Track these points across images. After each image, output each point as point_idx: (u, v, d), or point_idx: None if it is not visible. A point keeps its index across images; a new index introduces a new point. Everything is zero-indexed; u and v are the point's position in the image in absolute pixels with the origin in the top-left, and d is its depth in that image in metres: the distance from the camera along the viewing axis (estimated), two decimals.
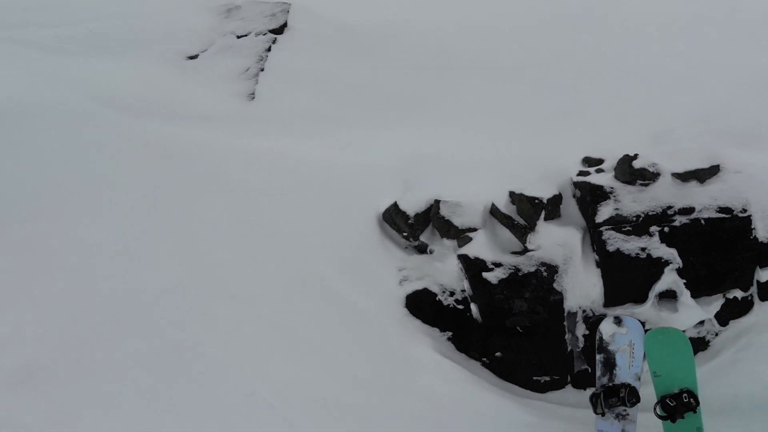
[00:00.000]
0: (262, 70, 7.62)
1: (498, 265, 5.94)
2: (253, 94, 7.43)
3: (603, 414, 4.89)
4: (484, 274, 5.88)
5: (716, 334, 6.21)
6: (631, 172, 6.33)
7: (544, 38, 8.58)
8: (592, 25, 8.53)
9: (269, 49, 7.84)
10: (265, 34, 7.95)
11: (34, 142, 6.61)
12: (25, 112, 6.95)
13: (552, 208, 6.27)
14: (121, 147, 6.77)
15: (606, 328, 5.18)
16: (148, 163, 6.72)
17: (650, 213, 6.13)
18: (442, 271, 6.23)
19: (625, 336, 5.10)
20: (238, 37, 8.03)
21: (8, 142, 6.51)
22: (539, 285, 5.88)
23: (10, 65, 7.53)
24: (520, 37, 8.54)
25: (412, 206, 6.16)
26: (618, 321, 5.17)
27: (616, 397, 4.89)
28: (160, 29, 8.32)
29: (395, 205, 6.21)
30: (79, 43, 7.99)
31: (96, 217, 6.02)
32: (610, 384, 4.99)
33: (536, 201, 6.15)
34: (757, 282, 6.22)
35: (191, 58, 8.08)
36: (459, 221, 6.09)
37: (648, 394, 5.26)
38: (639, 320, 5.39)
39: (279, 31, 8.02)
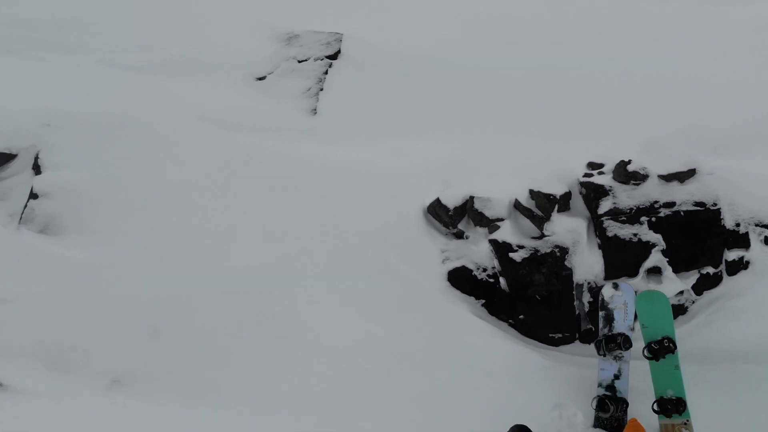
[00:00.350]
0: (321, 89, 8.89)
1: (521, 247, 7.26)
2: (315, 109, 8.71)
3: (604, 355, 6.19)
4: (510, 254, 7.20)
5: (693, 302, 7.50)
6: (625, 174, 7.64)
7: (548, 60, 9.87)
8: (588, 49, 9.86)
9: (326, 72, 9.13)
10: (322, 59, 9.23)
11: (146, 148, 7.93)
12: (136, 124, 8.25)
13: (563, 203, 7.60)
14: (214, 153, 8.10)
15: (607, 291, 6.51)
16: (235, 166, 8.05)
17: (641, 206, 7.45)
18: (476, 252, 7.54)
19: (620, 297, 6.42)
20: (299, 61, 9.30)
21: (127, 148, 7.83)
22: (554, 263, 7.20)
23: (120, 85, 8.83)
24: (530, 60, 9.83)
25: (451, 201, 7.48)
26: (616, 286, 6.50)
27: (614, 343, 6.20)
28: (233, 55, 9.60)
29: (437, 201, 7.51)
30: (170, 67, 9.26)
31: (202, 209, 7.37)
32: (610, 333, 6.31)
33: (551, 197, 7.47)
34: (725, 260, 7.54)
35: (260, 79, 9.36)
36: (489, 213, 7.41)
37: (637, 348, 6.59)
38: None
39: (334, 57, 9.31)
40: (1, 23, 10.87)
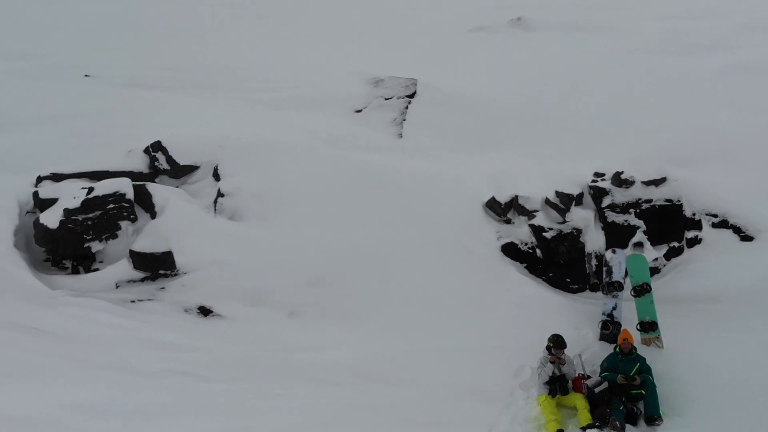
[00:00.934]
0: (404, 120, 11.95)
1: (550, 229, 10.46)
2: (400, 134, 11.78)
3: (606, 294, 9.31)
4: (543, 234, 10.40)
5: (664, 265, 10.71)
6: (619, 180, 10.80)
7: (565, 100, 13.01)
8: (592, 92, 13.02)
9: (407, 107, 12.19)
10: (403, 98, 12.32)
11: (288, 162, 10.99)
12: (270, 146, 11.31)
13: (578, 199, 10.78)
14: (334, 165, 11.16)
15: (608, 255, 9.62)
16: (350, 175, 11.11)
17: (629, 202, 10.69)
18: (520, 233, 10.68)
19: (617, 258, 9.53)
20: (386, 99, 12.36)
21: (277, 162, 10.88)
22: (572, 239, 10.38)
23: (264, 117, 11.89)
24: (551, 100, 12.95)
25: (502, 199, 10.64)
26: (614, 251, 9.61)
27: (612, 287, 9.29)
28: (336, 93, 12.64)
29: (493, 198, 10.64)
30: (293, 103, 12.30)
31: (333, 203, 10.44)
32: (610, 281, 9.40)
33: (570, 196, 10.66)
34: (686, 238, 10.73)
35: (358, 111, 12.43)
36: (529, 206, 10.59)
37: (626, 294, 9.72)
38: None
39: (411, 96, 12.39)
40: (169, 69, 13.89)
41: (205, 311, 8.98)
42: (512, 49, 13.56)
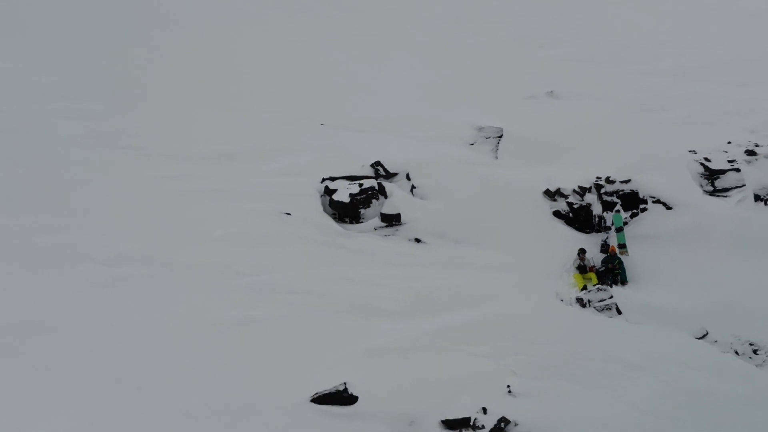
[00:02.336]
0: (498, 149, 20.92)
1: (576, 204, 19.14)
2: (496, 156, 20.66)
3: (602, 232, 18.38)
4: (573, 206, 19.06)
5: (629, 221, 19.56)
6: (608, 180, 19.62)
7: (579, 137, 22.12)
8: (593, 135, 22.17)
9: (498, 142, 21.09)
10: (496, 137, 21.04)
11: (439, 171, 19.86)
12: (433, 162, 20.12)
13: (589, 189, 19.46)
14: (465, 172, 20.10)
15: (606, 215, 18.64)
16: (477, 183, 20.00)
17: (613, 191, 19.42)
18: (561, 206, 19.33)
19: (609, 216, 18.44)
20: (486, 138, 21.31)
21: (432, 171, 19.67)
22: (586, 208, 19.06)
23: (416, 147, 20.82)
24: (572, 137, 22.01)
25: (552, 188, 19.35)
26: (606, 213, 18.66)
27: (606, 227, 18.36)
28: (458, 134, 21.57)
29: (547, 189, 19.27)
30: (434, 139, 21.28)
31: (466, 193, 19.50)
32: (605, 225, 18.46)
33: (584, 187, 19.37)
34: (640, 208, 19.49)
35: (471, 144, 21.40)
36: (565, 193, 19.24)
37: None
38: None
39: (500, 136, 21.12)
40: (359, 118, 22.81)
41: (417, 240, 18.01)
42: (551, 108, 22.51)
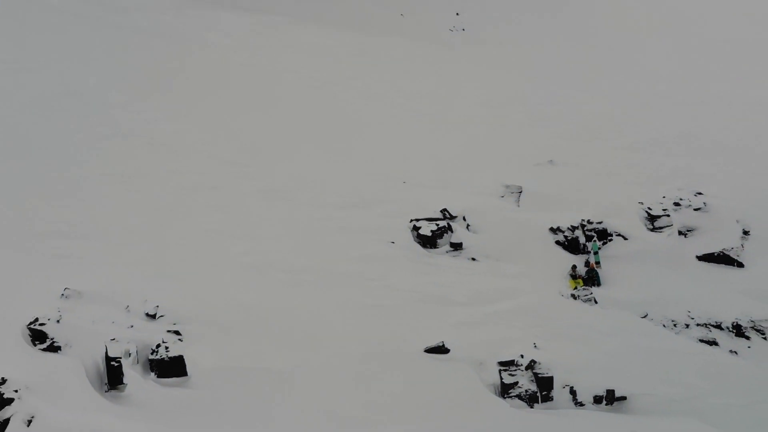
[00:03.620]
0: (520, 198, 29.20)
1: (570, 236, 27.62)
2: (518, 204, 28.92)
3: (586, 253, 26.66)
4: (565, 237, 27.63)
5: (601, 247, 28.01)
6: (588, 222, 28.10)
7: (574, 191, 30.36)
8: (580, 197, 30.44)
9: (519, 197, 29.22)
10: (518, 192, 29.22)
11: (491, 211, 28.25)
12: (487, 207, 28.49)
13: (577, 228, 27.91)
14: (502, 215, 28.36)
15: (588, 243, 26.97)
16: (507, 222, 28.34)
17: (591, 228, 27.85)
18: (560, 237, 27.98)
19: (590, 244, 26.87)
20: (511, 192, 29.53)
21: (488, 211, 28.16)
22: (576, 240, 27.29)
23: (466, 197, 29.07)
24: (569, 192, 30.26)
25: (554, 225, 27.88)
26: (589, 241, 27.00)
27: (587, 251, 26.64)
28: (493, 189, 29.76)
29: (551, 227, 27.86)
30: (477, 193, 29.52)
31: (504, 218, 27.81)
32: (587, 249, 26.74)
33: (575, 226, 27.76)
34: (607, 238, 28.03)
35: (501, 197, 29.65)
36: (563, 229, 27.78)
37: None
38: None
39: (520, 192, 29.39)
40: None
41: (473, 259, 26.02)
42: (552, 172, 30.57)
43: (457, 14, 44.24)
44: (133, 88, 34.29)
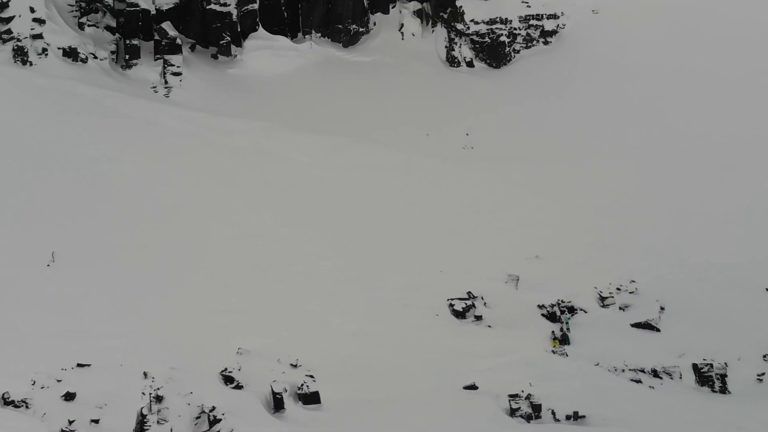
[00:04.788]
0: (517, 283, 40.23)
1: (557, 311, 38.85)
2: (516, 287, 40.09)
3: (561, 322, 37.81)
4: (550, 312, 38.91)
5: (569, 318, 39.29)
6: (561, 301, 39.31)
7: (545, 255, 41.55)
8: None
9: (517, 282, 40.37)
10: (516, 280, 40.41)
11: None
12: (487, 292, 39.65)
13: (555, 305, 39.07)
14: (510, 300, 39.51)
15: (561, 315, 38.16)
16: (511, 301, 39.47)
17: (564, 305, 39.11)
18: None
19: (565, 317, 38.01)
20: (511, 280, 40.61)
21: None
22: (554, 314, 38.62)
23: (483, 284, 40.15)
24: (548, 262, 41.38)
25: (546, 312, 39.14)
26: (563, 314, 38.19)
27: (561, 320, 37.78)
28: (501, 279, 40.83)
29: (543, 314, 39.07)
30: (480, 278, 40.50)
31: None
32: (561, 320, 37.84)
33: (552, 304, 38.94)
34: (575, 313, 39.38)
35: (506, 282, 40.71)
36: (548, 308, 39.02)
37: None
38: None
39: (518, 279, 40.49)
40: None
41: (489, 326, 37.21)
42: (539, 265, 41.58)
43: (467, 134, 55.68)
44: (249, 198, 45.58)
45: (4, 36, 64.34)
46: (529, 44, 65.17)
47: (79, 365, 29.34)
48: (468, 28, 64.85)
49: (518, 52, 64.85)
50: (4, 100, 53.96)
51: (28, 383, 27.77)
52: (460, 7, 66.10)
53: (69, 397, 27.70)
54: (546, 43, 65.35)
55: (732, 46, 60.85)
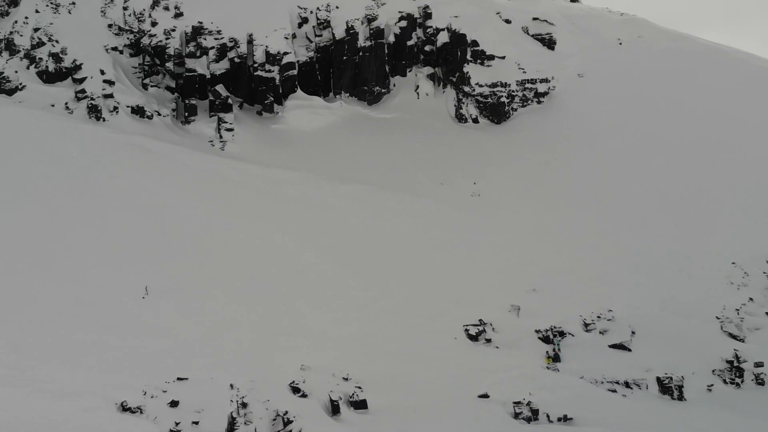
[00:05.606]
0: (518, 314, 47.06)
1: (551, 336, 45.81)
2: (518, 315, 46.94)
3: (553, 343, 44.69)
4: (545, 336, 45.82)
5: (560, 341, 46.20)
6: (553, 327, 46.20)
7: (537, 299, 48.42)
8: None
9: (519, 311, 47.24)
10: (517, 308, 47.34)
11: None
12: (496, 320, 46.49)
13: (548, 330, 45.92)
14: (517, 327, 46.37)
15: (554, 338, 45.09)
16: (517, 327, 46.35)
17: (557, 330, 46.02)
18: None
19: (557, 339, 44.83)
20: (515, 308, 47.48)
21: None
22: (548, 337, 45.55)
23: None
24: (541, 299, 48.20)
25: (542, 336, 46.11)
26: (555, 337, 45.13)
27: (553, 342, 44.57)
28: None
29: (539, 337, 45.96)
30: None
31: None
32: (554, 341, 44.70)
33: (547, 330, 45.85)
34: (564, 337, 46.35)
35: (509, 311, 47.51)
36: (543, 333, 45.97)
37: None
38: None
39: (519, 308, 47.29)
40: None
41: (496, 347, 44.04)
42: (536, 297, 48.38)
43: (474, 183, 62.50)
44: (299, 240, 52.47)
45: (79, 95, 70.75)
46: (525, 103, 69.50)
47: (179, 379, 34.12)
48: (473, 90, 69.68)
49: (516, 110, 69.05)
50: (85, 153, 60.39)
51: (140, 394, 32.26)
52: (467, 72, 71.30)
53: (173, 404, 32.30)
54: (539, 102, 69.57)
55: (699, 109, 65.90)
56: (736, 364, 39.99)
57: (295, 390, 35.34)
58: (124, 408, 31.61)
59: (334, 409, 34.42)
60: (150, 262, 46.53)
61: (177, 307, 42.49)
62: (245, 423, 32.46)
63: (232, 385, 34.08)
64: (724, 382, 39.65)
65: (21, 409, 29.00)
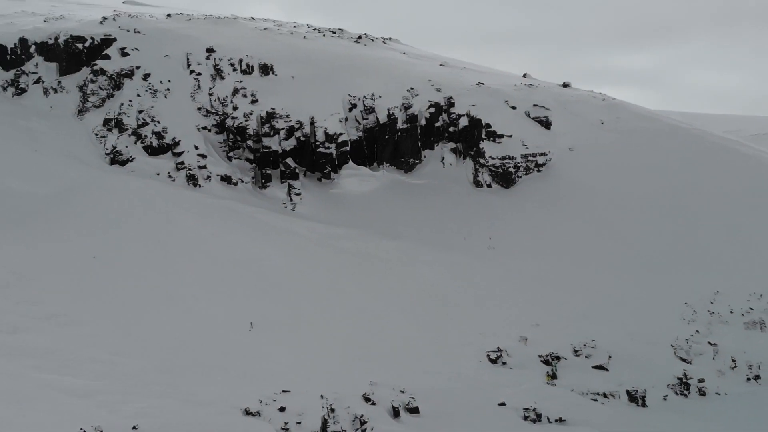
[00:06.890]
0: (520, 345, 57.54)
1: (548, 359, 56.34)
2: (521, 342, 57.39)
3: (551, 366, 55.16)
4: (540, 358, 56.30)
5: (556, 364, 56.60)
6: (551, 353, 56.63)
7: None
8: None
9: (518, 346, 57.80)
10: (517, 344, 57.82)
11: None
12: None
13: (548, 355, 56.47)
14: (519, 352, 56.91)
15: (552, 361, 55.66)
16: (521, 353, 56.77)
17: (554, 355, 56.24)
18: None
19: (553, 363, 55.42)
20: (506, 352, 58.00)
21: None
22: (548, 360, 56.04)
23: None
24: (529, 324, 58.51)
25: (545, 360, 56.52)
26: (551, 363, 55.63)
27: (551, 365, 55.09)
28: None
29: (541, 360, 56.44)
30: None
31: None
32: (552, 363, 55.23)
33: (546, 355, 56.36)
34: (559, 361, 56.85)
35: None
36: (543, 357, 56.44)
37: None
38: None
39: (524, 341, 57.84)
40: None
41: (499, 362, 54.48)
42: (538, 331, 58.74)
43: (490, 238, 73.04)
44: (360, 287, 63.04)
45: (179, 166, 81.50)
46: (528, 172, 77.39)
47: (283, 391, 39.97)
48: (488, 161, 78.03)
49: (521, 177, 76.89)
50: (185, 215, 70.62)
51: (257, 402, 38.40)
52: (482, 147, 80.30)
53: (282, 409, 38.08)
54: (539, 171, 77.09)
55: (668, 176, 74.56)
56: (684, 380, 48.03)
57: (367, 399, 41.83)
58: (247, 412, 37.68)
59: (395, 413, 41.07)
60: (249, 304, 55.39)
61: (276, 338, 51.30)
62: (334, 423, 38.88)
63: (322, 396, 40.22)
64: (676, 393, 47.11)
65: (171, 415, 35.52)
